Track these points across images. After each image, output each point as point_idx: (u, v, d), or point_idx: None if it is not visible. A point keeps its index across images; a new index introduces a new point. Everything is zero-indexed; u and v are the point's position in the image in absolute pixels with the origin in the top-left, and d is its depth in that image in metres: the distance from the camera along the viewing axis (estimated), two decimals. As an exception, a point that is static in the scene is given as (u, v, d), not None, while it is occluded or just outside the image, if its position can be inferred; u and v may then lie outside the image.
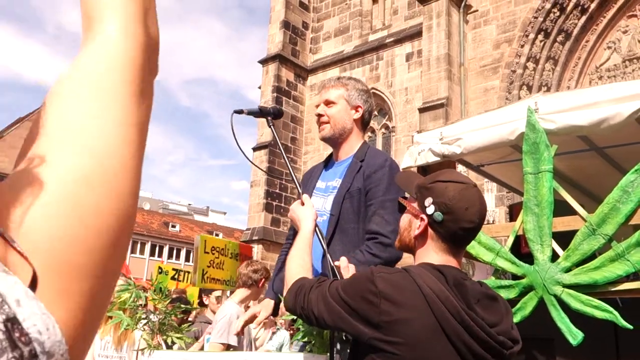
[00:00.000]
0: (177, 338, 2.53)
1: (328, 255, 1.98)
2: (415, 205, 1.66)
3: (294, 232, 2.58)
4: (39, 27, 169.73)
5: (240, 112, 2.39)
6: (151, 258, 43.54)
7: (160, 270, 9.31)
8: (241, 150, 2.46)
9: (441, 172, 1.78)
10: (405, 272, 1.51)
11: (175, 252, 47.38)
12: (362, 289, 1.49)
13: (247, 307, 4.11)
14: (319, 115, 2.56)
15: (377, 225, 2.29)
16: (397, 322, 1.44)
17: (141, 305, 2.46)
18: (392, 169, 2.43)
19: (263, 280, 4.20)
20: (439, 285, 1.47)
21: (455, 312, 1.44)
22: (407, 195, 1.77)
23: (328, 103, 2.54)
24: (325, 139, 2.57)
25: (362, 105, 2.56)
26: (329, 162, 2.63)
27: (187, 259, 46.30)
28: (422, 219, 1.61)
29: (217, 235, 51.67)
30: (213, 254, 5.86)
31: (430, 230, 1.61)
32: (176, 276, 10.14)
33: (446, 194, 1.58)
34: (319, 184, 2.57)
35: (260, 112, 2.45)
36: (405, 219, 1.70)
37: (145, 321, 2.46)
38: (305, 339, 2.01)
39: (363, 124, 2.60)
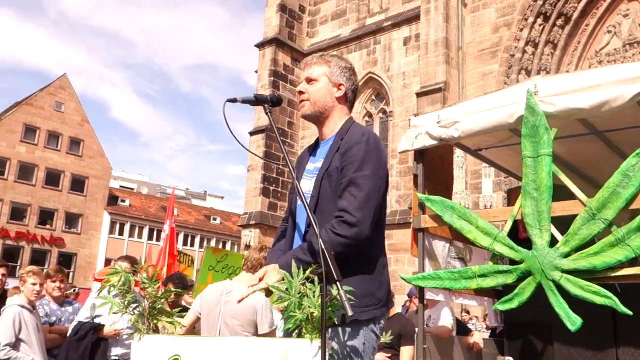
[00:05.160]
0: (169, 323, 2.47)
1: (319, 236, 1.91)
2: None
3: (291, 212, 2.52)
4: (40, 12, 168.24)
5: (234, 100, 2.30)
6: (149, 242, 43.61)
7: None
8: (236, 139, 2.40)
9: None
10: None
11: (173, 236, 47.46)
12: None
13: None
14: (300, 93, 2.48)
15: (345, 201, 2.20)
16: None
17: (130, 289, 2.40)
18: (369, 144, 2.31)
19: None
20: None
21: None
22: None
23: (310, 81, 2.46)
24: (305, 117, 2.50)
25: (345, 83, 2.46)
26: (317, 144, 2.56)
27: (184, 243, 46.35)
28: None
29: (215, 219, 51.84)
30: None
31: None
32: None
33: None
34: (309, 166, 2.50)
35: (257, 101, 2.37)
36: None
37: (135, 305, 2.40)
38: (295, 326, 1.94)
39: (347, 102, 2.50)
